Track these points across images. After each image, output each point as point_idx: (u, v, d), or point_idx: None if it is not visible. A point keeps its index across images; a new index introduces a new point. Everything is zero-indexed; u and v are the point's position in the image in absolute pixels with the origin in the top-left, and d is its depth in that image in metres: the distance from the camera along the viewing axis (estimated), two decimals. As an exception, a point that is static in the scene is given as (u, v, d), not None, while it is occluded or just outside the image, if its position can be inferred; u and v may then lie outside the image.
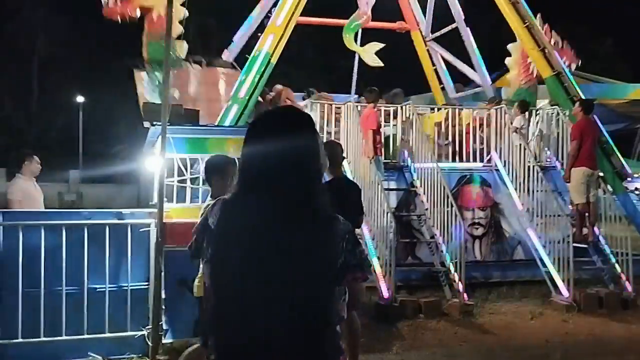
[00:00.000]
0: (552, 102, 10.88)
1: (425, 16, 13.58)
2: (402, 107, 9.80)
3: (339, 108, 9.56)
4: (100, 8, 9.89)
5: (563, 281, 8.16)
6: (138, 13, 9.91)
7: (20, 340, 5.43)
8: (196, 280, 4.34)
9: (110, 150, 44.80)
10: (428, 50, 13.76)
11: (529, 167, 9.09)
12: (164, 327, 5.88)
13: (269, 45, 9.72)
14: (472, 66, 13.02)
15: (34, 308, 5.48)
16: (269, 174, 1.85)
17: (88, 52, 49.97)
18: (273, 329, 1.76)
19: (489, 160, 9.85)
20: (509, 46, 12.39)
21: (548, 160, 10.18)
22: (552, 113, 10.27)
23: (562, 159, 9.81)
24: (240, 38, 12.17)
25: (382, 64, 11.96)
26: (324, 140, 6.15)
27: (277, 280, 1.77)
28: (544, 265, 8.53)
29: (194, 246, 2.02)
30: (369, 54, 11.89)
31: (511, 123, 9.76)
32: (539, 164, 9.41)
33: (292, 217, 1.82)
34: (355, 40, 12.12)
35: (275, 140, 1.87)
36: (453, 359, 6.05)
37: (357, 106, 9.44)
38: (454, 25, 13.10)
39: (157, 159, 5.83)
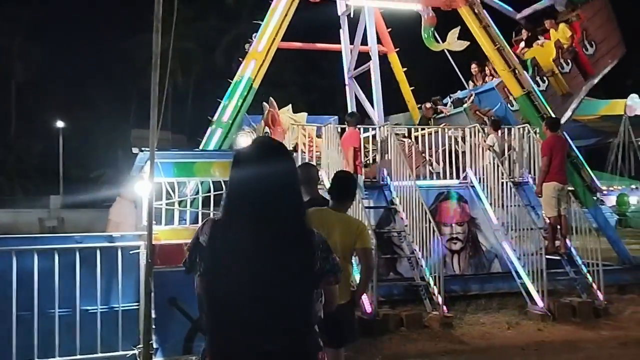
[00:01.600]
0: (524, 120, 11.32)
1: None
2: (380, 128, 10.15)
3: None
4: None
5: (538, 292, 8.49)
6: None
7: (14, 362, 5.57)
8: None
9: (89, 175, 44.65)
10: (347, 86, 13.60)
11: (502, 183, 9.47)
12: (155, 346, 6.04)
13: (251, 71, 10.06)
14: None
15: (27, 331, 5.65)
16: (256, 197, 2.13)
17: (65, 77, 50.07)
18: (263, 330, 2.03)
19: (465, 177, 10.22)
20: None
21: (520, 176, 10.58)
22: (523, 130, 10.70)
23: (534, 174, 10.21)
24: None
25: (468, 43, 12.55)
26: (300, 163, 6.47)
27: (267, 288, 2.05)
28: (520, 277, 8.86)
29: (188, 262, 2.28)
30: (454, 43, 12.65)
31: (484, 141, 10.16)
32: (512, 179, 9.79)
33: (278, 232, 2.11)
34: (437, 41, 12.88)
35: (259, 167, 2.16)
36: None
37: (337, 128, 9.79)
38: (366, 66, 12.60)
39: (146, 183, 6.06)
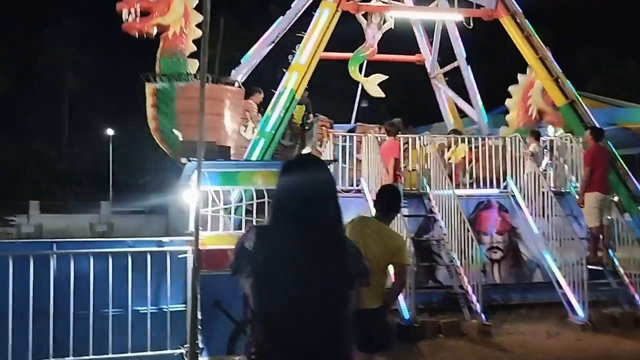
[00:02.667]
0: (567, 130, 11.27)
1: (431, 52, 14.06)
2: (419, 137, 10.29)
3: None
4: (127, 37, 10.60)
5: (579, 302, 8.45)
6: (155, 30, 10.51)
7: (71, 358, 5.97)
8: None
9: (137, 182, 45.95)
10: (431, 85, 14.20)
11: (543, 192, 9.46)
12: (200, 345, 6.37)
13: (294, 83, 10.35)
14: (471, 104, 13.43)
15: (84, 328, 6.04)
16: (301, 206, 2.38)
17: (115, 85, 51.73)
18: (305, 327, 2.27)
19: (505, 187, 10.25)
20: (510, 88, 12.84)
21: (562, 186, 10.53)
22: (566, 140, 10.65)
23: (576, 183, 10.16)
24: (248, 60, 12.68)
25: (383, 95, 12.53)
26: None
27: (309, 288, 2.30)
28: (561, 287, 8.84)
29: (235, 265, 2.54)
30: (372, 84, 12.48)
31: (525, 151, 10.17)
32: (553, 189, 9.77)
33: (320, 238, 2.36)
34: (360, 71, 12.77)
35: (304, 179, 2.41)
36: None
37: (377, 137, 9.98)
38: (456, 64, 13.53)
39: (194, 191, 6.39)
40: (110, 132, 45.95)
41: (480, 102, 13.41)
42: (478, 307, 8.17)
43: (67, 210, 40.61)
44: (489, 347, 7.57)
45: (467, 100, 13.57)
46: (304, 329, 2.28)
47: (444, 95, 14.12)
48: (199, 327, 6.32)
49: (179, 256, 6.39)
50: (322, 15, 10.76)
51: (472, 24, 11.88)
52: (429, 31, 13.98)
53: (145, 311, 6.27)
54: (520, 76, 12.81)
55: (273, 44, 12.34)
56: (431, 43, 14.00)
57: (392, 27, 12.39)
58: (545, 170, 10.36)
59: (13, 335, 5.86)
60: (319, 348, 2.29)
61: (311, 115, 11.63)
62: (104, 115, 48.81)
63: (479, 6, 11.71)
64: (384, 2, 11.88)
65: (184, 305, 6.41)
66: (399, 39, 13.46)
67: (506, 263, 10.09)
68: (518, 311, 9.27)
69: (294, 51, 12.37)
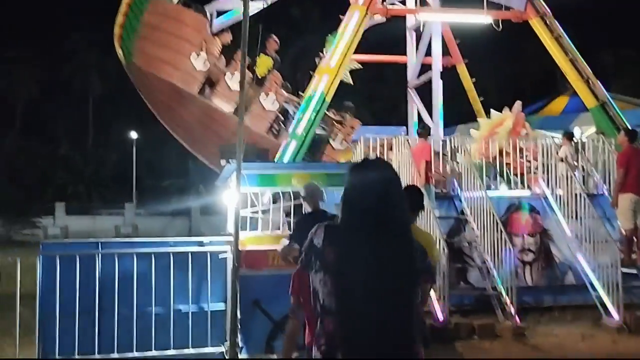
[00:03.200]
0: (598, 131, 11.21)
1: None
2: (450, 139, 10.33)
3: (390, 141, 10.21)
4: None
5: (613, 305, 8.41)
6: None
7: (116, 355, 6.13)
8: None
9: (160, 184, 46.48)
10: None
11: (576, 194, 9.43)
12: (240, 344, 6.48)
13: (324, 85, 10.46)
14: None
15: (127, 327, 6.19)
16: (372, 206, 2.47)
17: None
18: (381, 320, 2.36)
19: (537, 189, 10.22)
20: (479, 120, 12.48)
21: (595, 188, 10.47)
22: (598, 142, 10.59)
23: (609, 186, 10.10)
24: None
25: (352, 83, 12.40)
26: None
27: (381, 284, 2.39)
28: (594, 289, 8.80)
29: (305, 261, 2.63)
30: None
31: (557, 153, 10.14)
32: (586, 191, 9.73)
33: (391, 237, 2.45)
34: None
35: (374, 181, 2.51)
36: (507, 376, 6.44)
37: (407, 140, 10.04)
38: (428, 76, 13.03)
39: (233, 192, 6.51)
40: (134, 135, 46.48)
41: (440, 118, 12.83)
42: (512, 309, 8.17)
43: (92, 212, 41.29)
44: (524, 349, 7.57)
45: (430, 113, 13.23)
46: (375, 321, 2.37)
47: (415, 107, 13.86)
48: (239, 326, 6.47)
49: (220, 256, 6.51)
50: (352, 18, 10.86)
51: (501, 26, 11.87)
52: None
53: (187, 310, 6.40)
54: (493, 112, 12.05)
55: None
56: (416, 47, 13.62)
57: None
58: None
59: (60, 333, 6.03)
60: (390, 340, 2.38)
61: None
62: (127, 119, 49.51)
63: (507, 8, 11.70)
64: None
65: (224, 305, 6.53)
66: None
67: (538, 265, 10.04)
68: (551, 313, 9.22)
69: (321, 54, 12.51)
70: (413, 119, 13.98)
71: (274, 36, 11.69)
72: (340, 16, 12.65)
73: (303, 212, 6.61)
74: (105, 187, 46.82)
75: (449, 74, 14.64)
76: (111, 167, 48.43)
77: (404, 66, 14.12)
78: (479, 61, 14.95)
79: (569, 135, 10.56)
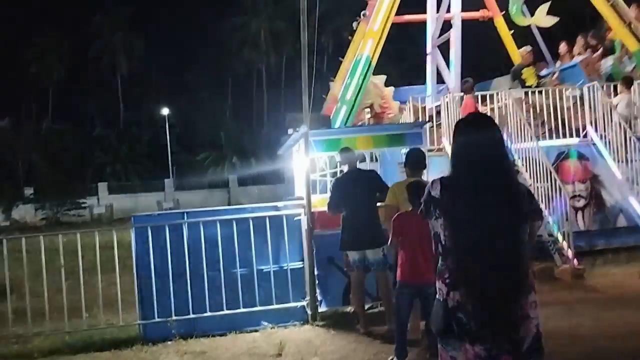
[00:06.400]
0: (643, 75, 11.22)
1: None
2: (497, 93, 10.51)
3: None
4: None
5: (668, 243, 8.67)
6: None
7: (208, 314, 6.66)
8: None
9: (195, 158, 47.32)
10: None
11: (626, 138, 9.58)
12: (319, 298, 6.98)
13: (369, 49, 10.70)
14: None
15: (216, 287, 6.71)
16: (481, 158, 2.82)
17: (165, 66, 52.95)
18: (496, 256, 2.74)
19: (585, 135, 10.40)
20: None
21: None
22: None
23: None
24: None
25: (557, 19, 12.62)
26: None
27: (495, 226, 2.76)
28: (648, 230, 9.04)
29: (424, 210, 3.01)
30: (543, 18, 12.67)
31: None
32: (635, 135, 9.87)
33: (499, 185, 2.81)
34: (524, 15, 12.95)
35: (484, 135, 2.86)
36: (573, 312, 6.79)
37: (455, 97, 10.26)
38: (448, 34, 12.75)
39: (302, 157, 6.91)
40: (165, 111, 47.16)
41: (458, 74, 12.55)
42: (570, 252, 8.49)
43: (133, 190, 42.41)
44: (584, 289, 7.91)
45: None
46: (491, 257, 2.75)
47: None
48: (316, 281, 6.95)
49: (295, 218, 6.96)
50: (392, -20, 11.00)
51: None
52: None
53: (268, 269, 6.88)
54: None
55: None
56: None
57: None
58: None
59: (157, 295, 6.58)
60: (504, 271, 2.76)
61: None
62: (156, 96, 50.27)
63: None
64: None
65: (301, 263, 7.00)
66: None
67: (589, 210, 10.30)
68: (604, 256, 9.53)
69: (358, 18, 12.70)
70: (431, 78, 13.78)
71: (527, 47, 12.23)
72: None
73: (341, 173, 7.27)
74: (141, 164, 47.87)
75: (483, 27, 14.65)
76: (145, 144, 49.39)
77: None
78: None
79: (629, 82, 10.47)
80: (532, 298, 2.79)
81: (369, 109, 11.46)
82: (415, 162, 5.80)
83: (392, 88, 12.36)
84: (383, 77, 12.29)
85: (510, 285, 2.76)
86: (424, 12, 13.85)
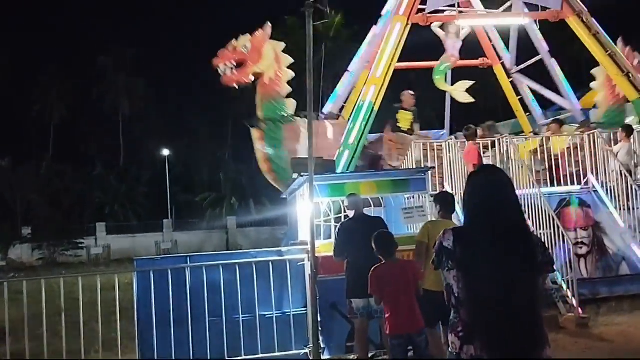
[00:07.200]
0: (641, 123, 11.36)
1: (508, 50, 14.40)
2: (499, 140, 10.61)
3: (440, 145, 10.52)
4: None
5: (672, 292, 8.61)
6: (252, 78, 11.36)
7: None
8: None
9: (195, 199, 47.29)
10: (512, 82, 14.48)
11: (627, 186, 9.63)
12: (322, 345, 6.88)
13: (372, 95, 10.86)
14: (559, 93, 13.66)
15: (218, 333, 6.63)
16: (495, 209, 2.83)
17: (166, 108, 53.59)
18: (511, 307, 2.72)
19: (586, 183, 10.45)
20: (593, 71, 12.99)
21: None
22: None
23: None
24: (342, 91, 13.29)
25: (473, 100, 12.86)
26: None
27: (510, 277, 2.75)
28: (651, 278, 8.99)
29: (437, 261, 3.00)
30: (460, 92, 12.84)
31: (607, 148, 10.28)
32: (636, 182, 9.92)
33: (513, 236, 2.81)
34: (445, 81, 13.11)
35: (498, 187, 2.88)
36: (581, 362, 6.71)
37: (457, 142, 10.35)
38: (538, 58, 13.80)
39: (307, 202, 6.92)
40: (165, 152, 47.37)
41: (570, 90, 13.59)
42: (574, 301, 8.42)
43: (131, 230, 42.20)
44: (590, 338, 7.81)
45: (555, 90, 13.85)
46: (508, 310, 2.73)
47: (527, 89, 14.42)
48: (320, 328, 6.86)
49: (298, 264, 6.93)
50: (394, 29, 11.24)
51: (538, 26, 12.14)
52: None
53: (271, 315, 6.81)
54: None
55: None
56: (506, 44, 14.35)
57: (471, 31, 12.81)
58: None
59: (158, 340, 6.50)
60: (519, 325, 2.73)
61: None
62: (157, 137, 50.63)
63: (544, 8, 11.97)
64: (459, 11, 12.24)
65: (304, 309, 6.93)
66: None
67: (592, 257, 10.25)
68: (608, 304, 9.43)
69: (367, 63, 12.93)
70: (529, 103, 14.54)
71: (410, 91, 12.40)
72: (374, 26, 13.13)
73: (346, 218, 7.28)
74: (140, 205, 47.78)
75: (487, 75, 14.93)
76: (145, 184, 49.44)
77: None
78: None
79: (629, 131, 10.58)
80: (547, 353, 2.77)
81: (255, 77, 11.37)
82: (451, 203, 6.13)
83: (289, 59, 12.06)
84: (282, 45, 11.94)
85: (528, 339, 2.74)
86: (422, 59, 14.29)
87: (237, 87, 11.38)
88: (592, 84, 13.17)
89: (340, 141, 11.03)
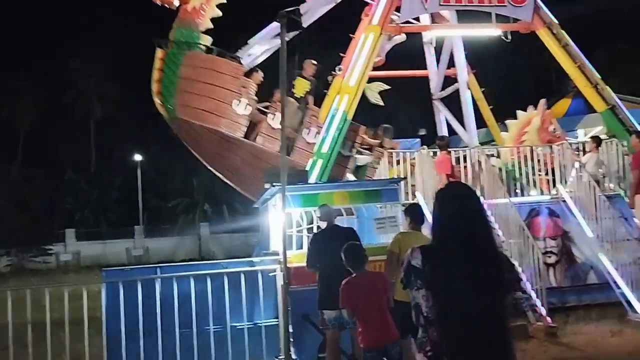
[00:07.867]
0: (609, 134, 11.61)
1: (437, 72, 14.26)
2: (470, 151, 10.73)
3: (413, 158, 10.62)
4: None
5: (638, 300, 8.78)
6: (177, 3, 11.39)
7: (178, 373, 6.46)
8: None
9: (167, 205, 46.76)
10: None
11: (595, 196, 9.82)
12: (293, 356, 6.84)
13: (345, 104, 10.88)
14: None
15: (188, 345, 6.55)
16: (464, 228, 2.84)
17: (138, 113, 52.92)
18: (480, 326, 2.74)
19: (556, 193, 10.61)
20: (507, 122, 12.89)
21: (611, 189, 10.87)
22: (611, 144, 10.99)
23: (625, 187, 10.50)
24: (256, 42, 12.88)
25: (382, 104, 12.97)
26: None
27: (479, 295, 2.76)
28: (618, 287, 9.16)
29: (405, 281, 2.99)
30: (373, 92, 12.89)
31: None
32: (604, 193, 10.12)
33: (482, 255, 2.83)
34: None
35: (466, 205, 2.89)
36: (549, 373, 6.79)
37: (429, 152, 10.44)
38: (456, 86, 13.71)
39: (278, 212, 6.90)
40: (138, 157, 46.78)
41: (474, 126, 13.57)
42: (543, 310, 8.53)
43: (101, 236, 41.57)
44: (559, 347, 7.91)
45: (461, 122, 13.78)
46: (475, 328, 2.74)
47: (443, 118, 14.37)
48: (291, 339, 6.83)
49: (270, 274, 6.89)
50: (368, 39, 11.30)
51: (510, 37, 12.32)
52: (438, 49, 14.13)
53: (242, 326, 6.75)
54: (519, 112, 12.47)
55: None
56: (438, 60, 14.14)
57: (404, 40, 12.83)
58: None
59: (126, 352, 6.39)
60: (489, 344, 2.75)
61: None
62: (129, 142, 49.92)
63: (515, 20, 12.15)
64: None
65: (276, 320, 6.89)
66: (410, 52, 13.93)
67: (561, 266, 10.39)
68: (576, 312, 9.57)
69: (333, 72, 12.95)
70: (442, 130, 14.38)
71: (313, 60, 12.14)
72: (350, 35, 13.18)
73: (318, 229, 7.33)
74: (111, 210, 47.07)
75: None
76: (117, 190, 48.72)
77: (420, 80, 14.72)
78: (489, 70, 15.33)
79: (598, 142, 10.76)
80: None
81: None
82: (421, 215, 6.21)
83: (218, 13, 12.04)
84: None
85: (498, 357, 2.75)
86: (399, 68, 14.39)
87: (160, 5, 11.23)
88: (503, 134, 12.93)
89: (233, 85, 11.12)
